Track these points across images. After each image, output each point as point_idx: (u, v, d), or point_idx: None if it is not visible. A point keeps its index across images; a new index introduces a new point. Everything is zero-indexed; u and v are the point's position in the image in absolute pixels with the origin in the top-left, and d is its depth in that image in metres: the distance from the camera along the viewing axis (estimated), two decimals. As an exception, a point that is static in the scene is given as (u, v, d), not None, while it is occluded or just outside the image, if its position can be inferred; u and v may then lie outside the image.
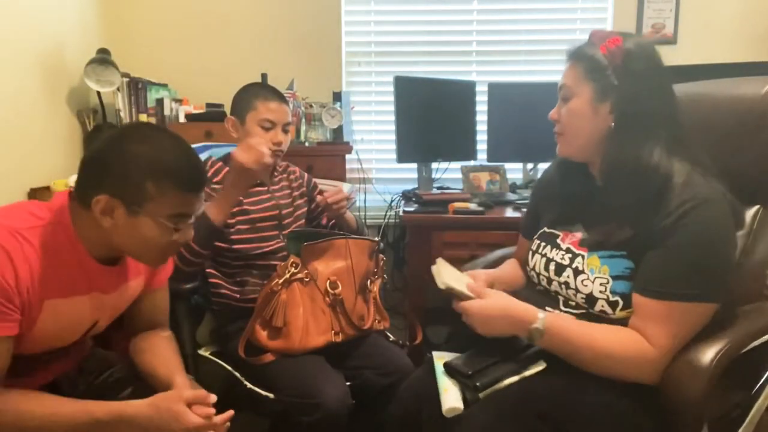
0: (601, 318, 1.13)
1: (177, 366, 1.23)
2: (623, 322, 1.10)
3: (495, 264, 1.55)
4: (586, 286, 1.14)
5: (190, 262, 1.45)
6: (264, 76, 2.56)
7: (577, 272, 1.16)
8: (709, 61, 2.35)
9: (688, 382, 1.00)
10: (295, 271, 1.45)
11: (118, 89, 2.45)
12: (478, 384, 1.09)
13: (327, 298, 1.48)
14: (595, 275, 1.13)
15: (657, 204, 1.07)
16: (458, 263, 2.09)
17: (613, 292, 1.10)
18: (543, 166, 2.59)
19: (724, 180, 1.11)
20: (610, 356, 1.05)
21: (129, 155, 1.03)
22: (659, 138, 1.10)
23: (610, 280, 1.11)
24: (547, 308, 1.20)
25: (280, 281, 1.43)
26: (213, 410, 1.07)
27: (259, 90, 1.64)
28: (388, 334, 1.67)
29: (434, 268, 1.26)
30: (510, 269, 1.46)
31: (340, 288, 1.49)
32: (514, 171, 2.67)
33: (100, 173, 1.04)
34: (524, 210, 1.80)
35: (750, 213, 1.28)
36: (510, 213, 2.20)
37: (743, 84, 1.33)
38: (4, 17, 1.99)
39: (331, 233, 1.56)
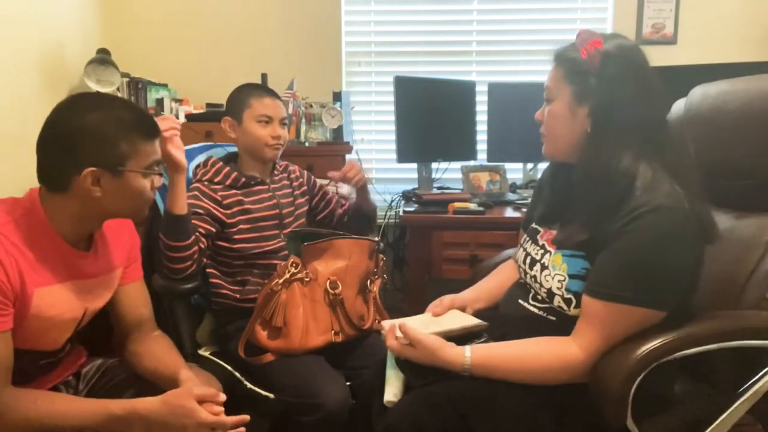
0: (560, 313, 1.16)
1: (178, 362, 1.25)
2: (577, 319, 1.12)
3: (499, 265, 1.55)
4: (547, 281, 1.18)
5: (174, 258, 1.44)
6: (264, 76, 2.56)
7: (543, 267, 1.20)
8: (709, 61, 2.35)
9: (610, 377, 1.02)
10: (295, 271, 1.45)
11: (118, 89, 2.45)
12: (418, 381, 1.15)
13: (327, 298, 1.48)
14: (555, 272, 1.16)
15: (616, 208, 1.07)
16: (458, 263, 2.12)
17: (567, 290, 1.14)
18: (543, 166, 2.59)
19: (745, 181, 1.09)
20: (539, 370, 1.10)
21: (93, 125, 1.07)
22: (633, 143, 1.10)
23: (567, 278, 1.14)
24: (519, 300, 1.26)
25: (280, 281, 1.43)
26: (222, 409, 1.09)
27: (251, 89, 1.67)
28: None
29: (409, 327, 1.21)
30: (497, 279, 1.46)
31: (340, 288, 1.49)
32: (514, 171, 2.67)
33: (71, 151, 1.06)
34: (524, 210, 1.81)
35: None
36: (510, 213, 2.21)
37: None
38: (4, 17, 1.99)
39: (331, 233, 1.56)
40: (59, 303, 1.11)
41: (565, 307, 1.14)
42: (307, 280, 1.46)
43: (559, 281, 1.15)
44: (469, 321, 1.27)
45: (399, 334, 1.17)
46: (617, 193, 1.08)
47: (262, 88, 1.67)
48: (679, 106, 1.42)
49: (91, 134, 1.06)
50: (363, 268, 1.57)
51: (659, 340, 1.03)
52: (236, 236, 1.58)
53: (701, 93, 1.25)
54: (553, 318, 1.18)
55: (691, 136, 1.36)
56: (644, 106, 1.11)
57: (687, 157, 1.13)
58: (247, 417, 1.11)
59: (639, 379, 1.01)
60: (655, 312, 1.06)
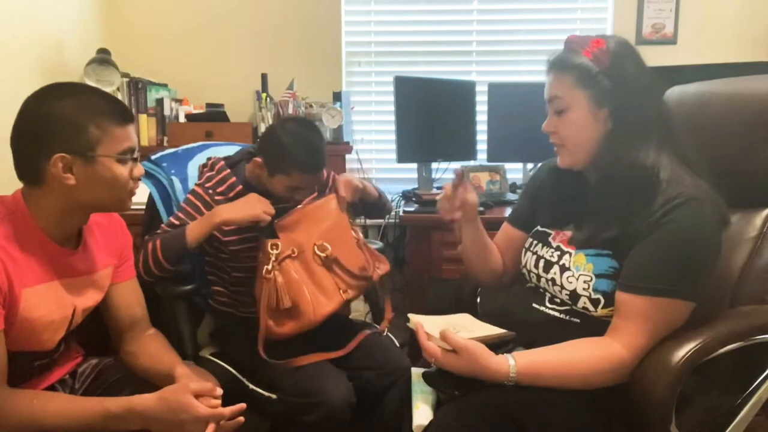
0: (584, 315, 1.14)
1: (173, 358, 1.25)
2: (604, 320, 1.11)
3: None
4: (570, 282, 1.15)
5: (152, 274, 1.42)
6: (264, 76, 2.56)
7: (563, 269, 1.18)
8: (709, 61, 2.35)
9: (654, 381, 1.01)
10: (278, 251, 1.43)
11: (118, 89, 2.45)
12: (456, 393, 1.09)
13: (319, 262, 1.47)
14: (579, 272, 1.14)
15: (644, 202, 1.08)
16: (458, 263, 2.11)
17: (595, 290, 1.12)
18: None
19: (731, 179, 1.11)
20: (585, 374, 1.07)
21: (60, 111, 1.06)
22: (653, 135, 1.11)
23: (594, 277, 1.12)
24: (534, 305, 1.23)
25: (269, 266, 1.41)
26: (219, 402, 1.09)
27: (303, 157, 1.46)
28: (389, 334, 1.67)
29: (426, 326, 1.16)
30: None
31: (330, 249, 1.47)
32: (514, 171, 2.67)
33: (40, 140, 1.05)
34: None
35: (762, 215, 1.25)
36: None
37: (757, 82, 1.30)
38: (4, 17, 1.99)
39: (294, 204, 1.53)
40: (47, 302, 1.10)
41: (592, 308, 1.13)
42: (294, 255, 1.45)
43: (585, 281, 1.13)
44: (495, 329, 1.20)
45: (440, 342, 1.10)
46: (645, 187, 1.08)
47: (312, 162, 1.48)
48: None
49: (58, 121, 1.05)
50: (344, 221, 1.56)
51: (699, 340, 1.01)
52: (233, 249, 1.53)
53: (678, 94, 1.26)
54: (577, 320, 1.16)
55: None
56: (657, 98, 1.13)
57: (694, 148, 1.15)
58: (243, 405, 1.11)
59: (683, 382, 0.99)
60: (689, 304, 1.06)
